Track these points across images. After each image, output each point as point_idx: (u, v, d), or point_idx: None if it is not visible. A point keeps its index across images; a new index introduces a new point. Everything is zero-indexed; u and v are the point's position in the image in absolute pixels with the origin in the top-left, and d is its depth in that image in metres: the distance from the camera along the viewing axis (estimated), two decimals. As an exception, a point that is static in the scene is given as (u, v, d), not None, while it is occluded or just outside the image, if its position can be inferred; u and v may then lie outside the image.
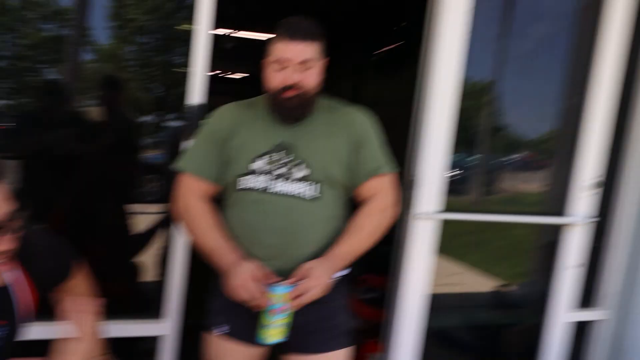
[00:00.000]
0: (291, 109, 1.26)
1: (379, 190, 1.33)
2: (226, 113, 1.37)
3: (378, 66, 4.77)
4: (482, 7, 1.92)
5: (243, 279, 1.20)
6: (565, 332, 2.30)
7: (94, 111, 1.95)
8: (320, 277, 1.21)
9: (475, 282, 2.35)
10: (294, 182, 1.27)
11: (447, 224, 1.96)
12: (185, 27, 1.71)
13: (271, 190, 1.27)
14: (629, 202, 2.35)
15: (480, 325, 2.35)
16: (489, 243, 2.32)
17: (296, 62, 1.21)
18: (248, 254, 1.26)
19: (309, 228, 1.28)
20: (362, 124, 1.35)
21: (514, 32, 2.19)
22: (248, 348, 1.33)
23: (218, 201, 1.37)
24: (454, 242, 2.21)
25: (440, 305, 2.06)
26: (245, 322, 1.28)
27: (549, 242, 2.27)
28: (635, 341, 2.28)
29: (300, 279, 1.20)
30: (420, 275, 1.97)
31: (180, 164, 1.35)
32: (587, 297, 2.40)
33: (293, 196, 1.27)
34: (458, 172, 2.36)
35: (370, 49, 4.83)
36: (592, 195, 2.23)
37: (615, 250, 2.38)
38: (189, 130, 1.67)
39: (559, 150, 2.36)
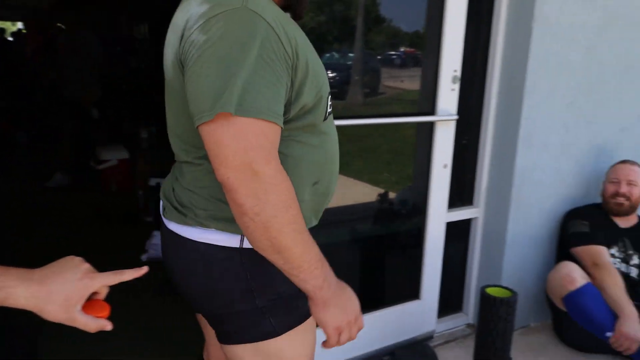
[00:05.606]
0: None
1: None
2: (276, 13, 0.83)
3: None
4: None
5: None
6: (443, 231, 2.27)
7: None
8: None
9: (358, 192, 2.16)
10: None
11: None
12: None
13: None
14: (492, 98, 2.28)
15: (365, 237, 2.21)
16: (376, 149, 2.12)
17: None
18: (327, 196, 1.03)
19: None
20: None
21: None
22: None
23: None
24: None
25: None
26: None
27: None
28: (512, 233, 2.31)
29: None
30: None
31: (244, 104, 0.76)
32: (464, 195, 2.39)
33: None
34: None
35: None
36: (453, 91, 2.12)
37: (483, 149, 2.35)
38: None
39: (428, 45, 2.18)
